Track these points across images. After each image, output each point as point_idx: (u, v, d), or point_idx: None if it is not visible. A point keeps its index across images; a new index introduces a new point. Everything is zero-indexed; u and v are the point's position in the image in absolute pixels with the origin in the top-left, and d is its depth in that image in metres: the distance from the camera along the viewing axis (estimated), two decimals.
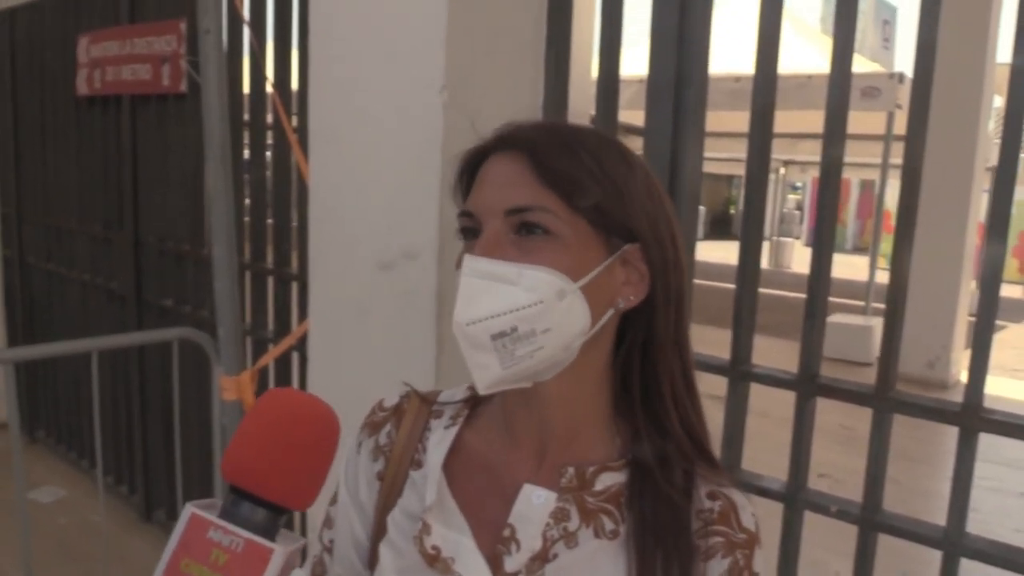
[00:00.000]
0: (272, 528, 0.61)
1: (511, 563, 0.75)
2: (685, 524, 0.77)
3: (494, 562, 0.75)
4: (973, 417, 1.43)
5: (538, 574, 0.75)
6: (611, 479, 0.78)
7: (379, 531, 0.83)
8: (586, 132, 0.77)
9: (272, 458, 0.62)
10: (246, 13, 2.74)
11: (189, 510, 0.60)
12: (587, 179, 0.72)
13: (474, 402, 0.85)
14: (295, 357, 2.66)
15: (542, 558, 0.75)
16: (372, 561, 0.84)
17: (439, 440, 0.83)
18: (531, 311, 0.70)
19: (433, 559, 0.76)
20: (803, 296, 1.64)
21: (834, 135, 1.56)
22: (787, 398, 1.66)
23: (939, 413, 1.49)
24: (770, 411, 3.32)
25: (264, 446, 0.62)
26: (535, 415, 0.79)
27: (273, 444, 0.62)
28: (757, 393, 1.72)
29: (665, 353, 0.78)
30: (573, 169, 0.72)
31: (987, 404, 1.44)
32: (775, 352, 4.40)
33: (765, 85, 1.62)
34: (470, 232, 0.76)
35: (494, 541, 0.76)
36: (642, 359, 0.78)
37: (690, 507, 0.78)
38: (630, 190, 0.75)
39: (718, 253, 15.36)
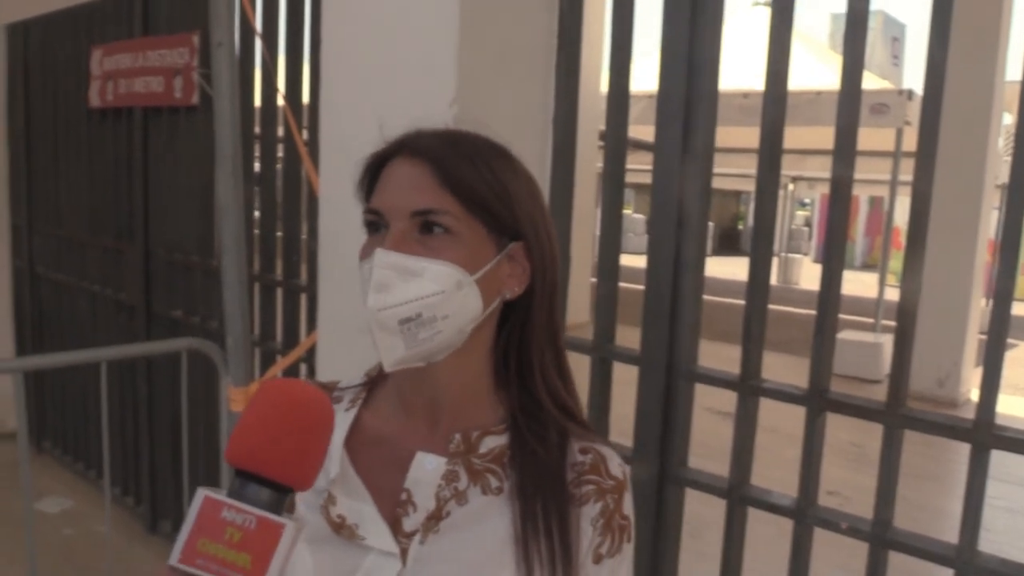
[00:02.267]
0: (278, 507, 0.64)
1: (409, 523, 0.84)
2: (560, 476, 0.86)
3: (394, 525, 0.84)
4: (985, 433, 1.42)
5: (434, 531, 0.83)
6: (494, 442, 0.87)
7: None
8: (481, 143, 0.87)
9: (275, 440, 0.66)
10: (258, 26, 2.76)
11: (202, 493, 0.62)
12: (482, 186, 0.82)
13: (370, 386, 0.94)
14: (303, 368, 2.67)
15: (436, 516, 0.84)
16: None
17: (340, 422, 0.90)
18: (434, 299, 0.80)
19: (339, 527, 0.84)
20: (812, 313, 1.64)
21: (844, 153, 1.56)
22: (796, 415, 1.65)
23: (950, 429, 1.48)
24: (779, 427, 3.31)
25: (267, 429, 0.66)
26: (427, 391, 0.87)
27: (275, 427, 0.66)
28: (766, 409, 1.71)
29: (538, 337, 0.89)
30: (470, 177, 0.82)
31: (998, 422, 1.43)
32: (783, 368, 4.38)
33: (775, 102, 1.62)
34: (374, 226, 0.84)
35: (393, 506, 0.85)
36: (519, 342, 0.89)
37: (564, 462, 0.87)
38: (517, 195, 0.85)
39: (727, 269, 15.33)
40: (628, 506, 0.89)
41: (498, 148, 0.88)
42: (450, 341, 0.83)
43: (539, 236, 0.87)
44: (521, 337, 0.89)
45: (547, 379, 0.89)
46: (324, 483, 0.86)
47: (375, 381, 0.94)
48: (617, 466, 0.89)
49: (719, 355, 2.93)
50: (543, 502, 0.84)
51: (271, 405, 0.68)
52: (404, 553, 0.83)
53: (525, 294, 0.87)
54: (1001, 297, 1.43)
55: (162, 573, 0.63)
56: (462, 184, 0.81)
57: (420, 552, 0.83)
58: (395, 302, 0.80)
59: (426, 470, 0.85)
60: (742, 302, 1.71)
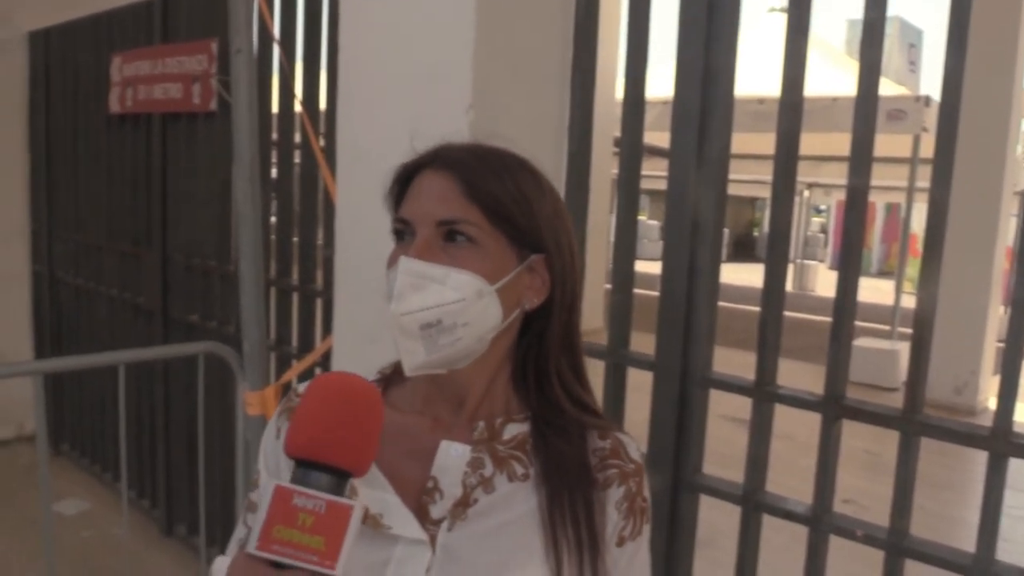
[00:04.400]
0: (340, 491, 0.68)
1: (436, 511, 0.85)
2: (584, 462, 0.88)
3: (420, 513, 0.85)
4: (1003, 442, 1.41)
5: (461, 518, 0.85)
6: (516, 429, 0.90)
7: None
8: (508, 158, 0.89)
9: (335, 428, 0.69)
10: (276, 33, 2.78)
11: (273, 484, 0.66)
12: (506, 199, 0.85)
13: (385, 383, 0.96)
14: (318, 372, 2.68)
15: (464, 503, 0.85)
16: None
17: None
18: (454, 307, 0.82)
19: (363, 517, 0.83)
20: (827, 319, 1.63)
21: (860, 160, 1.55)
22: (811, 422, 1.65)
23: (968, 437, 1.47)
24: (794, 434, 3.29)
25: (327, 419, 0.70)
26: (448, 392, 0.90)
27: (334, 416, 0.70)
28: (781, 416, 1.71)
29: (554, 347, 0.91)
30: (496, 190, 0.84)
31: (1016, 429, 1.42)
32: (799, 375, 4.35)
33: (791, 108, 1.62)
34: (401, 234, 0.87)
35: (418, 495, 0.86)
36: (536, 352, 0.91)
37: (586, 447, 0.90)
38: (540, 210, 0.87)
39: (741, 275, 15.27)
40: (647, 488, 0.92)
41: (525, 164, 0.90)
42: (470, 348, 0.85)
43: (560, 250, 0.89)
44: (539, 347, 0.91)
45: (564, 382, 0.92)
46: None
47: (390, 379, 0.97)
48: (635, 450, 0.92)
49: (733, 361, 2.92)
50: (569, 488, 0.86)
51: (327, 397, 0.72)
52: (432, 540, 0.84)
53: (545, 305, 0.89)
54: (1019, 304, 1.42)
55: (241, 562, 0.65)
56: (488, 196, 0.84)
57: (449, 539, 0.84)
58: (416, 307, 0.82)
59: (452, 457, 0.87)
60: (756, 308, 1.70)
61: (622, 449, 0.91)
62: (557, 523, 0.84)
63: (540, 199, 0.88)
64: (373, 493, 0.86)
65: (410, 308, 0.82)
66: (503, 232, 0.85)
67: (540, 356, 0.91)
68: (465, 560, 0.83)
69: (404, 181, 0.90)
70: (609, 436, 0.92)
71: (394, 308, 0.83)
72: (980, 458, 1.45)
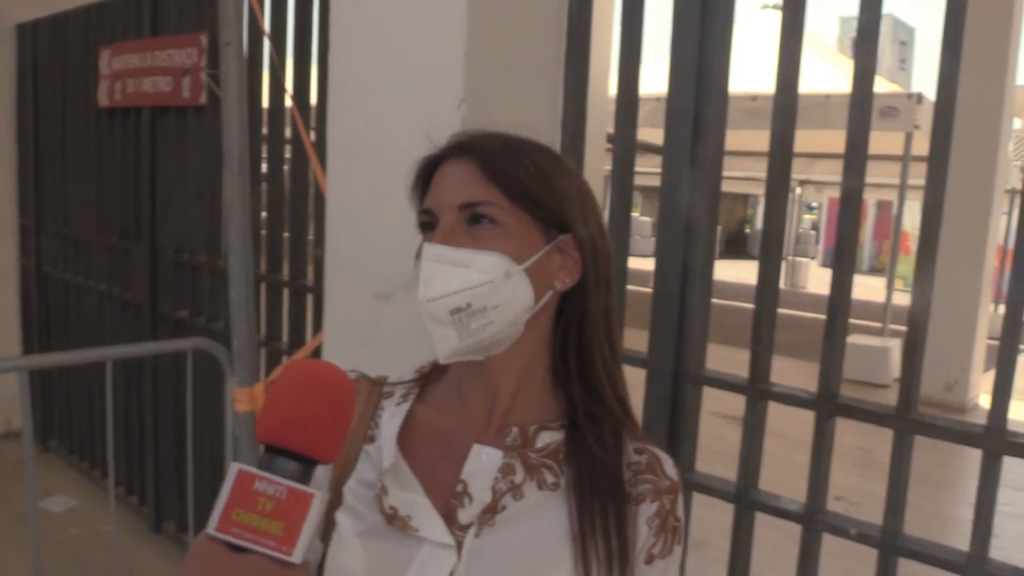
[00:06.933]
0: (305, 479, 0.67)
1: (464, 515, 0.84)
2: (618, 475, 0.86)
3: (448, 516, 0.84)
4: (997, 440, 1.41)
5: (489, 524, 0.83)
6: (550, 437, 0.88)
7: (334, 502, 0.90)
8: (527, 142, 0.88)
9: (300, 414, 0.68)
10: (266, 26, 2.76)
11: (235, 467, 0.65)
12: (526, 177, 0.84)
13: (424, 381, 0.95)
14: None
15: (492, 510, 0.84)
16: (325, 531, 0.89)
17: (392, 415, 0.91)
18: (483, 289, 0.81)
19: (391, 518, 0.84)
20: (818, 316, 1.63)
21: (855, 162, 1.55)
22: (801, 419, 1.64)
23: (962, 435, 1.47)
24: (785, 431, 3.29)
25: (297, 405, 0.69)
26: (485, 384, 0.88)
27: (300, 402, 0.69)
28: (773, 413, 1.70)
29: (596, 329, 0.89)
30: (515, 169, 0.83)
31: (1010, 428, 1.42)
32: (789, 372, 4.36)
33: (785, 108, 1.61)
34: (428, 226, 0.86)
35: (448, 497, 0.85)
36: (578, 336, 0.89)
37: (621, 460, 0.87)
38: (564, 189, 0.86)
39: (733, 272, 15.30)
40: (681, 508, 0.90)
41: (547, 149, 0.89)
42: (504, 332, 0.83)
43: (589, 229, 0.87)
44: (580, 331, 0.88)
45: (608, 371, 0.90)
46: (376, 475, 0.87)
47: (428, 377, 0.95)
48: (671, 467, 0.90)
49: (725, 358, 2.92)
50: (601, 500, 0.84)
51: (296, 382, 0.71)
52: (459, 545, 0.83)
53: (579, 287, 0.87)
54: (1013, 303, 1.41)
55: (200, 543, 0.64)
56: (507, 177, 0.83)
57: (475, 545, 0.83)
58: (443, 292, 0.81)
59: (483, 462, 0.85)
60: (748, 305, 1.70)
61: (658, 465, 0.89)
62: (587, 535, 0.82)
63: (562, 179, 0.87)
64: (403, 494, 0.85)
65: (437, 294, 0.81)
66: (526, 210, 0.83)
67: (582, 340, 0.88)
68: (491, 567, 0.82)
69: (426, 175, 0.89)
70: (645, 451, 0.90)
71: (421, 295, 0.82)
72: (971, 455, 1.45)
